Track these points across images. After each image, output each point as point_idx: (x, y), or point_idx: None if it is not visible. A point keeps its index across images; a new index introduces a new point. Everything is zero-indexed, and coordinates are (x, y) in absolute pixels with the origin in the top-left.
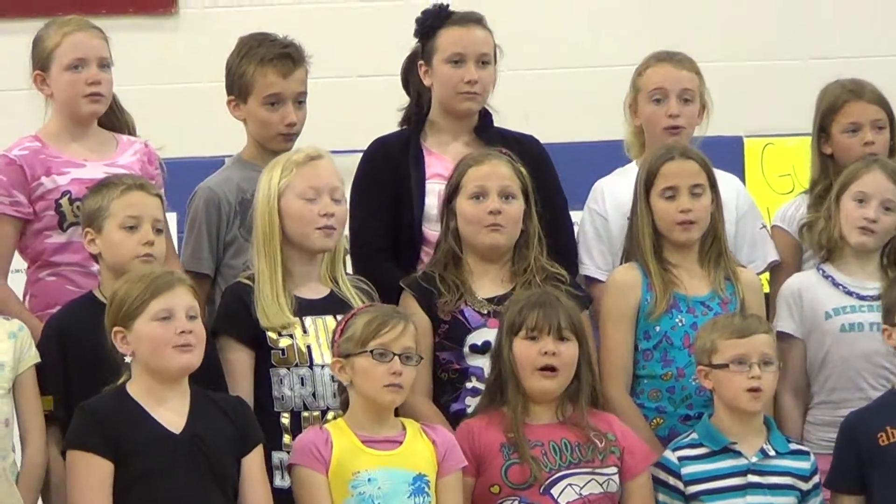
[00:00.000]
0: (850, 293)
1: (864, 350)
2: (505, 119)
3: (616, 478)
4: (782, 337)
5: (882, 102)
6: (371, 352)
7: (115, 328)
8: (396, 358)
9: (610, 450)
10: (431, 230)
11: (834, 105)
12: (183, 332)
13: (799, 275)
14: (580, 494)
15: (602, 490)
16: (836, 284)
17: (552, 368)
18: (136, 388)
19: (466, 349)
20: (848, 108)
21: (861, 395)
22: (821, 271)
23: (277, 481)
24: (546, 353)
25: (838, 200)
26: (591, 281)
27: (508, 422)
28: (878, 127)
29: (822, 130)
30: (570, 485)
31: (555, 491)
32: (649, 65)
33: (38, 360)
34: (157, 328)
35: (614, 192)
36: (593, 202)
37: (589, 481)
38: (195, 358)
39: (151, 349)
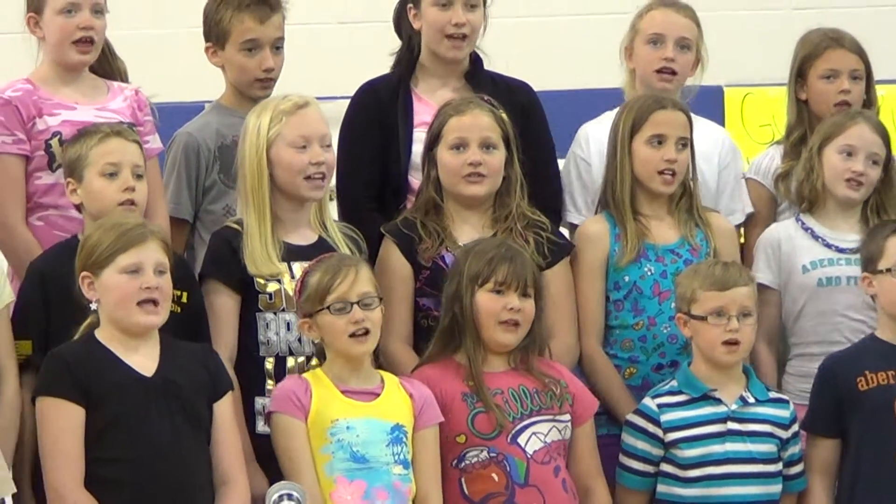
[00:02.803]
0: (829, 246)
1: (841, 304)
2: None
3: (570, 425)
4: (759, 287)
5: (861, 53)
6: (329, 308)
7: (83, 273)
8: (355, 306)
9: (565, 396)
10: (417, 179)
11: (814, 51)
12: (149, 287)
13: (778, 225)
14: (545, 442)
15: (561, 437)
16: (815, 237)
17: (515, 323)
18: (105, 335)
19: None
20: (827, 55)
21: (838, 348)
22: (800, 222)
23: (260, 427)
24: (511, 308)
25: (821, 152)
26: (576, 227)
27: (466, 370)
28: (854, 77)
29: (800, 76)
30: (535, 433)
31: (521, 440)
32: (651, 7)
33: (13, 298)
34: (123, 281)
35: (599, 138)
36: (577, 147)
37: (551, 429)
38: (160, 317)
39: (116, 302)
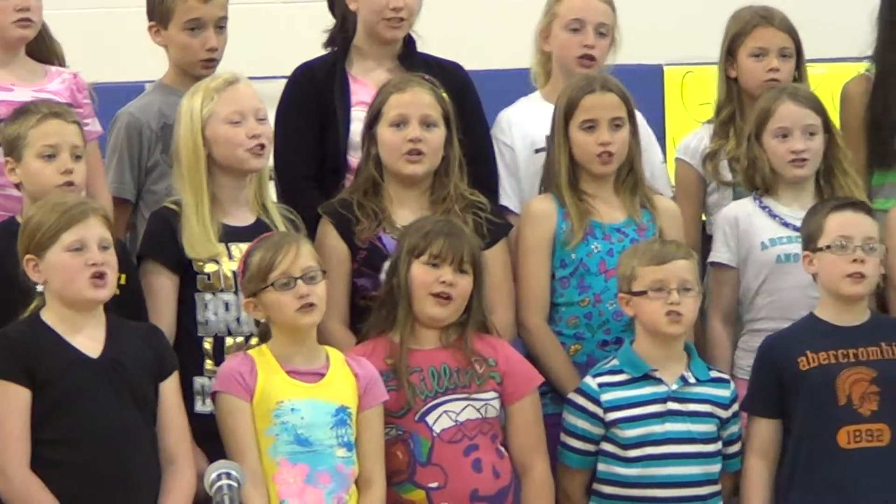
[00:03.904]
0: (786, 224)
1: (799, 281)
2: (427, 46)
3: (496, 402)
4: (716, 265)
5: (791, 31)
6: (273, 284)
7: (27, 256)
8: (299, 281)
9: (489, 375)
10: (356, 158)
11: (744, 29)
12: (95, 263)
13: (735, 203)
14: (455, 421)
15: (480, 415)
16: (772, 215)
17: (447, 297)
18: (51, 316)
19: (383, 276)
20: (757, 33)
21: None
22: (758, 201)
23: (198, 406)
24: (444, 281)
25: (759, 140)
26: (503, 210)
27: (392, 347)
28: (783, 55)
29: (730, 54)
30: (445, 412)
31: (430, 418)
32: None
33: None
34: (68, 259)
35: (520, 122)
36: (499, 132)
37: (465, 407)
38: (107, 290)
39: (63, 280)
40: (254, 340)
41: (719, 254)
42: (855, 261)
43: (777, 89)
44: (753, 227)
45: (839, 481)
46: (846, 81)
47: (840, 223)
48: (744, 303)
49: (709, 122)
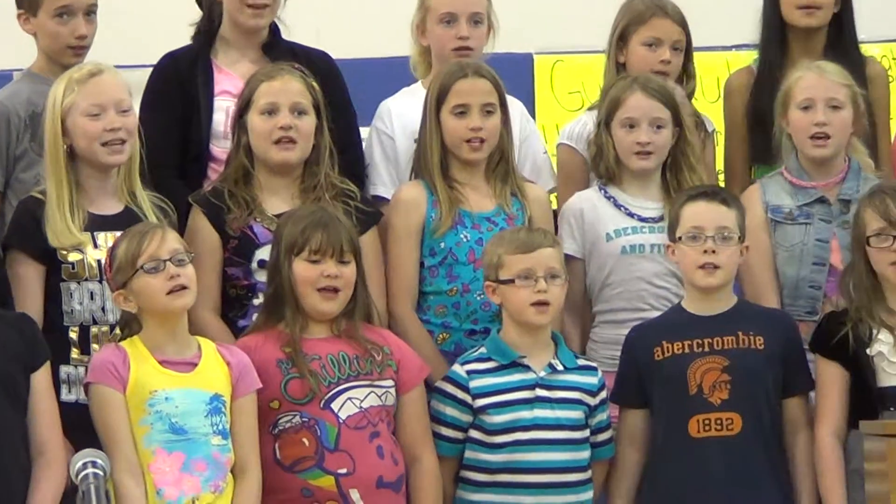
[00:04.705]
0: (631, 215)
1: (645, 272)
2: (296, 35)
3: (393, 391)
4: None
5: (685, 26)
6: (142, 268)
7: None
8: (168, 263)
9: (387, 363)
10: (219, 147)
11: (639, 18)
12: None
13: (580, 194)
14: (360, 407)
15: (381, 403)
16: (617, 205)
17: (334, 290)
18: None
19: (255, 265)
20: (654, 22)
21: (643, 315)
22: (603, 191)
23: (64, 395)
24: (328, 275)
25: (608, 127)
26: (380, 200)
27: (286, 337)
28: (675, 48)
29: (622, 40)
30: (350, 398)
31: (335, 405)
32: None
33: None
34: None
35: (401, 112)
36: (380, 122)
37: (368, 394)
38: None
39: None
40: (94, 330)
41: (565, 245)
42: (706, 251)
43: (629, 79)
44: (599, 217)
45: (691, 470)
46: (730, 74)
47: (693, 213)
48: (592, 294)
49: (592, 107)
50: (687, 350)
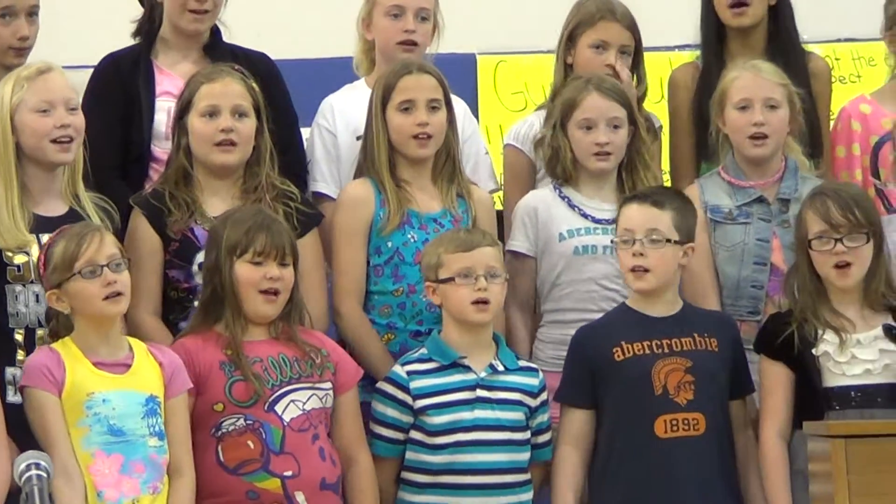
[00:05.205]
0: (585, 216)
1: (596, 273)
2: (237, 36)
3: (331, 393)
4: (515, 255)
5: (634, 30)
6: (80, 272)
7: None
8: (105, 269)
9: (326, 365)
10: (160, 148)
11: (588, 20)
12: None
13: (535, 192)
14: (303, 409)
15: (322, 405)
16: (571, 205)
17: (275, 292)
18: None
19: (195, 267)
20: (602, 25)
21: (590, 316)
22: (558, 190)
23: (10, 397)
24: (271, 278)
25: (564, 129)
26: (322, 197)
27: (226, 340)
28: (623, 52)
29: (570, 41)
30: (293, 401)
31: (279, 407)
32: None
33: None
34: None
35: (344, 109)
36: (322, 119)
37: (310, 396)
38: None
39: None
40: (40, 332)
41: (517, 242)
42: (635, 255)
43: (584, 80)
44: (552, 217)
45: (656, 470)
46: (674, 68)
47: (625, 216)
48: (541, 293)
49: (540, 107)
50: (648, 351)
